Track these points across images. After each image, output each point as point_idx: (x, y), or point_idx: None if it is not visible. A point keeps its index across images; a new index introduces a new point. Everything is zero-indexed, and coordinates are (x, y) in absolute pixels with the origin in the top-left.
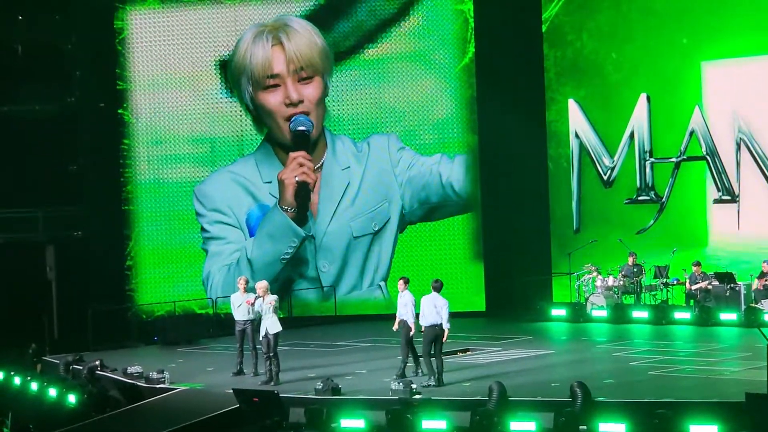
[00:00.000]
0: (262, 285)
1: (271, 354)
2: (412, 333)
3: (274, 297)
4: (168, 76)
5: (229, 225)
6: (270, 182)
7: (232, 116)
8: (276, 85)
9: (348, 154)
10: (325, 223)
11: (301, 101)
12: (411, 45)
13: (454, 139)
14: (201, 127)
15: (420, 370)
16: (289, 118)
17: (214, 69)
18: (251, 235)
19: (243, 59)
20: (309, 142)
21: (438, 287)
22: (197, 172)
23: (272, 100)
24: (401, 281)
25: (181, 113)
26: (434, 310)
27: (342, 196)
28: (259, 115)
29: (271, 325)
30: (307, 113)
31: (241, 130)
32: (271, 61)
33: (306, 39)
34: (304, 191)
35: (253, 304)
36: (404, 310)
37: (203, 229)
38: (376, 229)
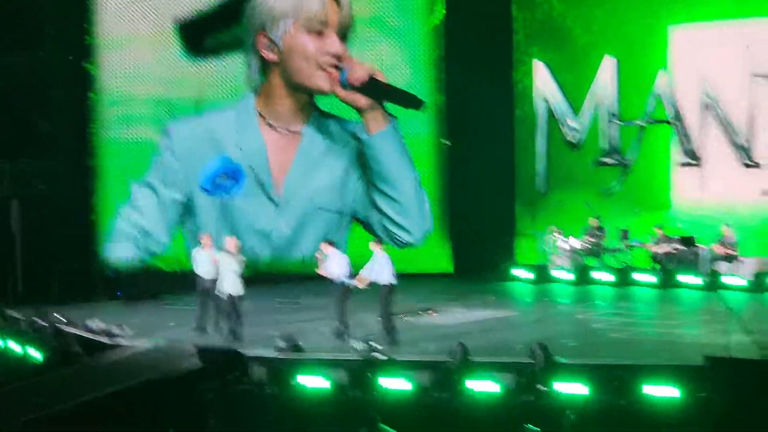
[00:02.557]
0: (234, 242)
1: (234, 311)
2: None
3: (243, 258)
4: (131, 34)
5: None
6: (241, 149)
7: (191, 78)
8: (321, 33)
9: (334, 128)
10: (293, 185)
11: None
12: (374, 7)
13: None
14: (160, 88)
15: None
16: (327, 67)
17: (174, 30)
18: (202, 187)
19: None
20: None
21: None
22: (156, 134)
23: (312, 45)
24: (325, 244)
25: (143, 73)
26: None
27: (317, 162)
28: (284, 59)
29: (233, 285)
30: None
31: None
32: (328, 9)
33: (349, 6)
34: None
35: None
36: (339, 270)
37: None
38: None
